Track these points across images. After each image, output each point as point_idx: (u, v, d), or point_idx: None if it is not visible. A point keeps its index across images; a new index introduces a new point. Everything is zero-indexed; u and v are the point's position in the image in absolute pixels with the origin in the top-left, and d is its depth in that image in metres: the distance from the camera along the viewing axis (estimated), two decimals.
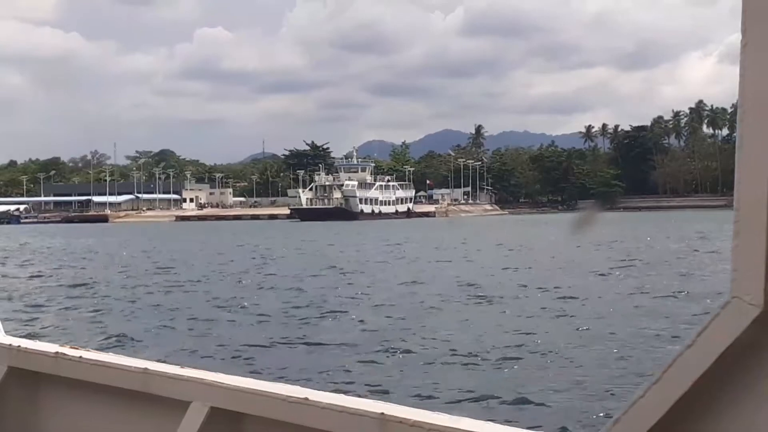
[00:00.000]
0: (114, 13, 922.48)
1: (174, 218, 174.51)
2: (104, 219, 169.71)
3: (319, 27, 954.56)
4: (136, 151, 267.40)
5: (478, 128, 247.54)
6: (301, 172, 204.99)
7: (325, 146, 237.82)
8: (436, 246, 57.96)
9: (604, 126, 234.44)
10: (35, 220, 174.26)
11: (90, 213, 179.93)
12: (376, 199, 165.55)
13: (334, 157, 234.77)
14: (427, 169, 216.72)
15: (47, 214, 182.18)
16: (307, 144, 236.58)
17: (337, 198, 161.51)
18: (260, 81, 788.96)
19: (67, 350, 3.82)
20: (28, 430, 3.96)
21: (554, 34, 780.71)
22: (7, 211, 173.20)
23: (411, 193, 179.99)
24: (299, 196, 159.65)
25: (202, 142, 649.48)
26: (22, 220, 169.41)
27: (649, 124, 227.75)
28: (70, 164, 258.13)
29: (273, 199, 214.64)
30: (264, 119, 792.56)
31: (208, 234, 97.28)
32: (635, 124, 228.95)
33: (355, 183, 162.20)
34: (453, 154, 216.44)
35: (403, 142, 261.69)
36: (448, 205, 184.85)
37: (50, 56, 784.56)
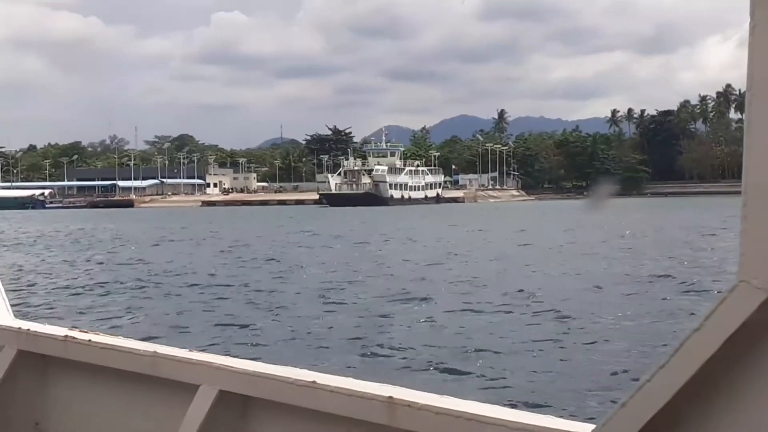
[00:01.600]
0: None
1: (200, 203, 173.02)
2: (130, 204, 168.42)
3: (335, 11, 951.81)
4: (155, 136, 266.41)
5: (501, 113, 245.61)
6: (325, 157, 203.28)
7: (347, 131, 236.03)
8: (518, 231, 55.99)
9: (630, 111, 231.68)
10: (60, 205, 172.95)
11: (115, 198, 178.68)
12: (406, 184, 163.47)
13: (356, 142, 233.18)
14: (450, 154, 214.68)
15: (72, 199, 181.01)
16: (329, 128, 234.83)
17: (366, 183, 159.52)
18: (277, 66, 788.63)
19: (76, 333, 3.81)
20: (38, 413, 3.95)
21: (573, 17, 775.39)
22: (32, 195, 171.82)
23: (440, 178, 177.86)
24: (328, 181, 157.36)
25: (218, 126, 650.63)
26: (47, 205, 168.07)
27: (675, 108, 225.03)
28: (89, 149, 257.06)
29: (295, 184, 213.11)
30: (280, 104, 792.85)
31: (250, 219, 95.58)
32: (655, 110, 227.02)
33: (386, 168, 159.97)
34: (481, 138, 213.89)
35: (423, 127, 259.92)
36: (477, 190, 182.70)
37: (68, 40, 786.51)
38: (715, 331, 1.74)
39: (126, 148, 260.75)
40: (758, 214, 1.67)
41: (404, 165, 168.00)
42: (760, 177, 1.67)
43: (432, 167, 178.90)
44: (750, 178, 1.68)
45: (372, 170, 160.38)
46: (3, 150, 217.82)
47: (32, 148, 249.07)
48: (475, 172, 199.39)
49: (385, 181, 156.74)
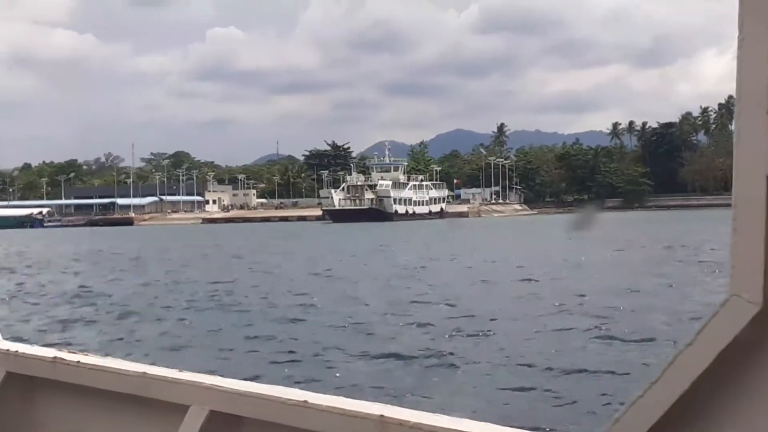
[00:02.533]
0: (127, 14, 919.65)
1: (200, 221, 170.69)
2: (129, 222, 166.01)
3: (333, 26, 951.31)
4: (151, 153, 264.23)
5: (501, 127, 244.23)
6: (325, 173, 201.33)
7: (346, 146, 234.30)
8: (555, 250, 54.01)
9: (631, 123, 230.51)
10: (59, 223, 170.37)
11: (114, 216, 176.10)
12: (410, 199, 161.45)
13: (354, 157, 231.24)
14: (450, 169, 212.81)
15: (71, 218, 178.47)
16: (327, 144, 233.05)
17: (369, 198, 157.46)
18: (273, 81, 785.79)
19: (64, 355, 3.82)
20: None
21: (569, 30, 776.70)
22: (30, 214, 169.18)
23: (444, 192, 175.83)
24: (331, 197, 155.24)
25: (214, 143, 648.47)
26: (45, 224, 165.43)
27: (675, 120, 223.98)
28: (84, 167, 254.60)
29: (294, 200, 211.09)
30: (275, 120, 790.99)
31: (258, 236, 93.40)
32: (656, 122, 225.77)
33: (389, 183, 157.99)
34: (484, 152, 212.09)
35: (422, 142, 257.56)
36: (481, 205, 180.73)
37: (64, 58, 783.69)
38: (707, 346, 1.75)
39: (121, 165, 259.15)
40: (749, 228, 1.67)
41: (408, 180, 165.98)
42: (750, 190, 1.67)
43: (435, 182, 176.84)
44: (739, 191, 1.69)
45: (375, 185, 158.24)
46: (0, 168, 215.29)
47: (27, 166, 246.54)
48: (477, 186, 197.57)
49: (390, 196, 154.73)
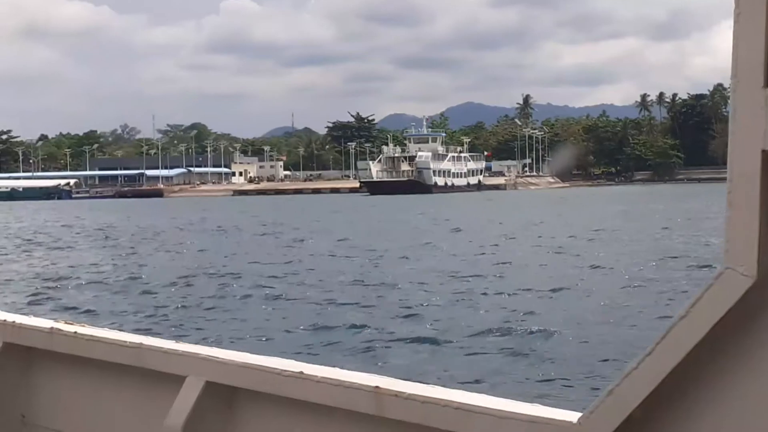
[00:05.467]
0: None
1: (231, 193, 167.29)
2: (159, 194, 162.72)
3: None
4: (168, 125, 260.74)
5: (526, 98, 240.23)
6: (352, 144, 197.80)
7: (370, 117, 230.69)
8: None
9: (661, 95, 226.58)
10: (87, 195, 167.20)
11: (143, 187, 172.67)
12: (449, 171, 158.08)
13: (379, 129, 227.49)
14: (476, 141, 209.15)
15: (98, 189, 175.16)
16: (351, 115, 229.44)
17: (405, 170, 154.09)
18: (287, 54, 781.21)
19: (62, 326, 3.81)
20: (24, 405, 3.98)
21: (586, 3, 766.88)
22: (57, 185, 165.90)
23: (482, 164, 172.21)
24: (369, 169, 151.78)
25: (227, 115, 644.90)
26: (73, 195, 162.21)
27: (705, 92, 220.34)
28: (101, 139, 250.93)
29: (318, 172, 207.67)
30: (288, 93, 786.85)
31: (313, 209, 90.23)
32: (687, 93, 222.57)
33: (429, 154, 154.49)
34: (519, 123, 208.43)
35: (442, 114, 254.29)
36: (517, 177, 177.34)
37: (79, 30, 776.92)
38: (701, 318, 1.76)
39: (137, 137, 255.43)
40: (743, 202, 1.68)
41: (446, 151, 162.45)
42: (745, 165, 1.68)
43: (472, 153, 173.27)
44: (735, 166, 1.69)
45: (413, 157, 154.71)
46: (19, 139, 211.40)
47: (43, 137, 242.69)
48: (504, 159, 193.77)
49: (429, 168, 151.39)
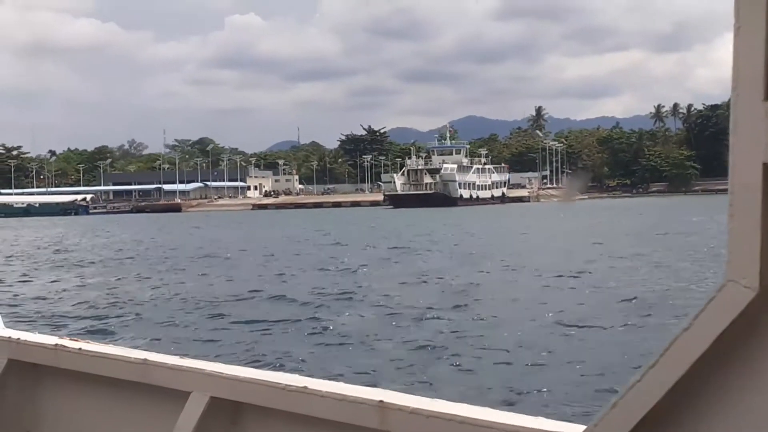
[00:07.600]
0: (150, 1, 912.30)
1: (251, 207, 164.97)
2: (177, 208, 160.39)
3: (353, 13, 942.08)
4: (175, 140, 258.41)
5: (539, 110, 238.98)
6: (368, 157, 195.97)
7: (382, 130, 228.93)
8: None
9: (675, 106, 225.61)
10: (104, 210, 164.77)
11: (161, 202, 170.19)
12: (474, 183, 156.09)
13: (390, 142, 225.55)
14: (491, 153, 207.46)
15: (115, 204, 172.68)
16: (364, 128, 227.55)
17: (429, 183, 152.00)
18: (292, 68, 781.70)
19: (66, 342, 3.84)
20: (29, 422, 3.97)
21: (589, 16, 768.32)
22: (73, 201, 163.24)
23: (505, 176, 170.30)
24: (393, 181, 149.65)
25: (232, 130, 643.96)
26: (90, 211, 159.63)
27: (719, 103, 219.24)
28: (109, 154, 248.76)
29: (330, 186, 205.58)
30: (293, 107, 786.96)
31: (345, 223, 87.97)
32: (702, 104, 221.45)
33: (454, 166, 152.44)
34: (540, 134, 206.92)
35: (451, 126, 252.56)
36: (539, 189, 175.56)
37: (87, 46, 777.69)
38: (704, 331, 1.76)
39: (144, 152, 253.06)
40: (745, 214, 1.68)
41: (471, 163, 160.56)
42: (746, 177, 1.68)
43: (496, 165, 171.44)
44: (736, 177, 1.70)
45: (438, 169, 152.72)
46: (29, 155, 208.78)
47: (52, 153, 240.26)
48: (517, 171, 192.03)
49: (455, 180, 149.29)
